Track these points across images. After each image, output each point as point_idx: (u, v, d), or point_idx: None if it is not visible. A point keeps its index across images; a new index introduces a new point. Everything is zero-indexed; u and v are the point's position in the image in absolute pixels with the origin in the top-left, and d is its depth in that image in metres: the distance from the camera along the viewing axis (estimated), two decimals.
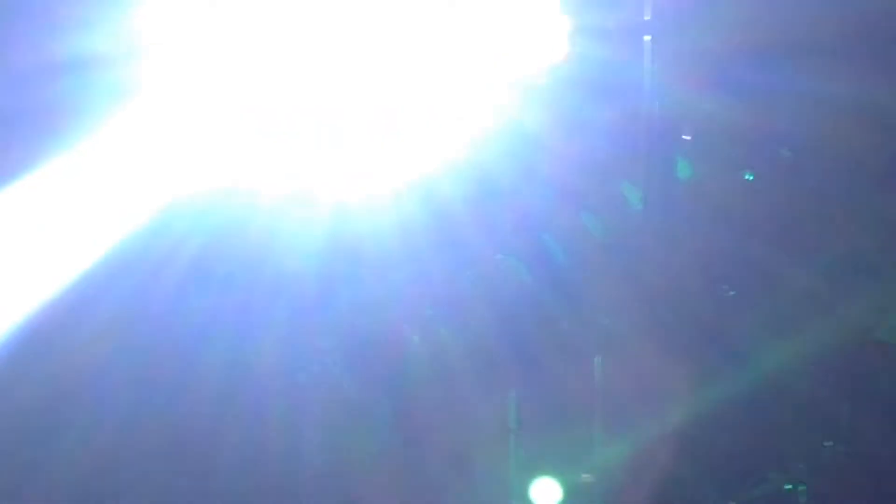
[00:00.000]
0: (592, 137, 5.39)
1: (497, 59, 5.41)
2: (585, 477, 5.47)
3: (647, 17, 4.77)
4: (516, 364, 5.43)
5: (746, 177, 5.38)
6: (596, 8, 5.34)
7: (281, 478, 5.34)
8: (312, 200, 5.44)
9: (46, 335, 5.35)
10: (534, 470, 5.38)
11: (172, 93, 5.43)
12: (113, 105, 5.39)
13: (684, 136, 4.84)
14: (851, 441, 5.55)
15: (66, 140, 5.41)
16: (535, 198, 5.47)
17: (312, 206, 5.43)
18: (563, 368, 5.51)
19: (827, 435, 5.56)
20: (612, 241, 5.42)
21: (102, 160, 5.47)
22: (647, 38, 4.84)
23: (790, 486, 5.51)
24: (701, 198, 5.47)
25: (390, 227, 5.46)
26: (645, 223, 5.02)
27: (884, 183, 5.49)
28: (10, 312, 5.40)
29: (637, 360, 5.44)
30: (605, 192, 5.45)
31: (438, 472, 5.46)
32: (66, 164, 5.45)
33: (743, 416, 5.54)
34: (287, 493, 5.35)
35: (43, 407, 5.39)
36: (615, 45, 5.23)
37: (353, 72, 5.37)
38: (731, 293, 5.59)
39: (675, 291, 5.20)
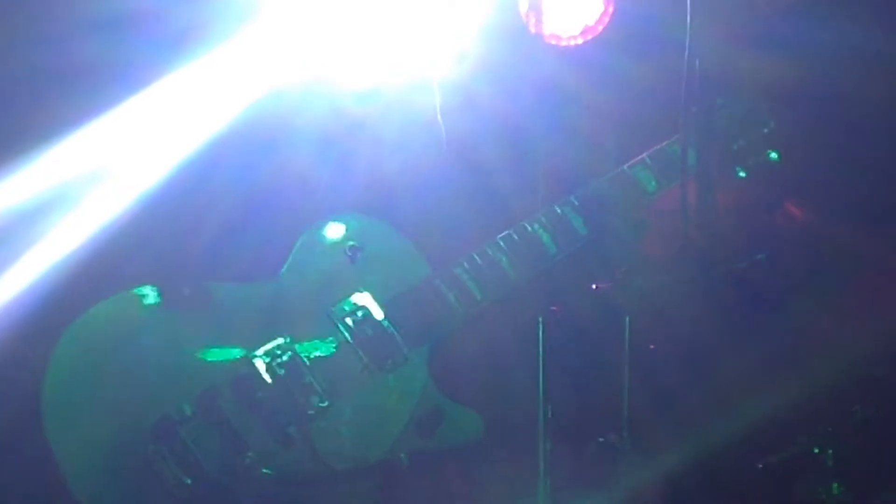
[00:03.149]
0: (632, 95, 5.35)
1: (533, 16, 5.35)
2: (612, 437, 5.46)
3: None
4: (547, 322, 5.39)
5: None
6: None
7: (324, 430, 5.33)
8: (346, 165, 5.43)
9: (80, 291, 5.34)
10: (562, 431, 5.36)
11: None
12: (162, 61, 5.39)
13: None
14: (880, 405, 5.53)
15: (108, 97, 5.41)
16: (573, 157, 5.43)
17: (346, 174, 5.43)
18: (594, 327, 5.50)
19: (855, 399, 5.54)
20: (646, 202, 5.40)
21: (144, 116, 5.48)
22: None
23: (818, 450, 5.49)
24: (737, 157, 5.43)
25: (425, 188, 5.45)
26: (681, 182, 4.94)
27: None
28: (42, 270, 5.41)
29: (669, 319, 5.42)
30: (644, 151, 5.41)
31: (470, 425, 5.45)
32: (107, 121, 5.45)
33: (772, 380, 5.53)
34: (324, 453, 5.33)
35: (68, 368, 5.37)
36: (654, 1, 5.17)
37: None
38: (762, 254, 5.56)
39: (709, 252, 5.15)
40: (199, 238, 5.48)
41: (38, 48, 5.49)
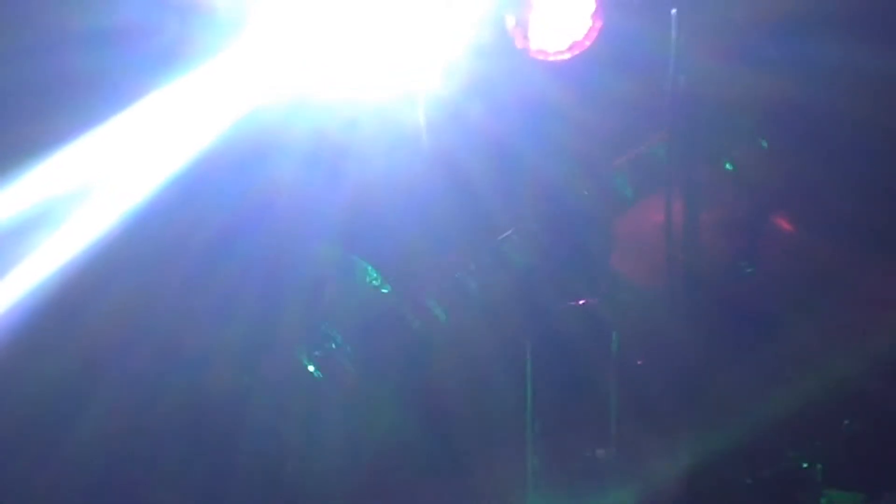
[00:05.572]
0: (617, 111, 5.34)
1: (520, 31, 5.35)
2: (600, 452, 5.46)
3: None
4: (533, 339, 5.40)
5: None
6: None
7: (299, 456, 5.34)
8: (331, 183, 5.43)
9: (68, 305, 5.34)
10: (550, 447, 5.36)
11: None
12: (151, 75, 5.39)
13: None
14: (870, 419, 5.51)
15: (96, 111, 5.40)
16: (557, 172, 5.43)
17: (332, 188, 5.43)
18: (580, 343, 5.50)
19: (845, 413, 5.52)
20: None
21: (130, 132, 5.48)
22: (673, 11, 4.74)
23: (807, 464, 5.48)
24: (723, 172, 5.43)
25: (409, 199, 5.44)
26: (666, 198, 4.94)
27: None
28: (30, 285, 5.40)
29: (655, 335, 5.41)
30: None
31: (453, 449, 5.46)
32: (94, 136, 5.45)
33: (762, 394, 5.51)
34: (305, 472, 5.34)
35: (62, 382, 5.38)
36: (641, 17, 5.16)
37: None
38: (749, 270, 5.55)
39: (696, 267, 5.15)
40: (187, 250, 5.48)
41: (27, 62, 5.49)
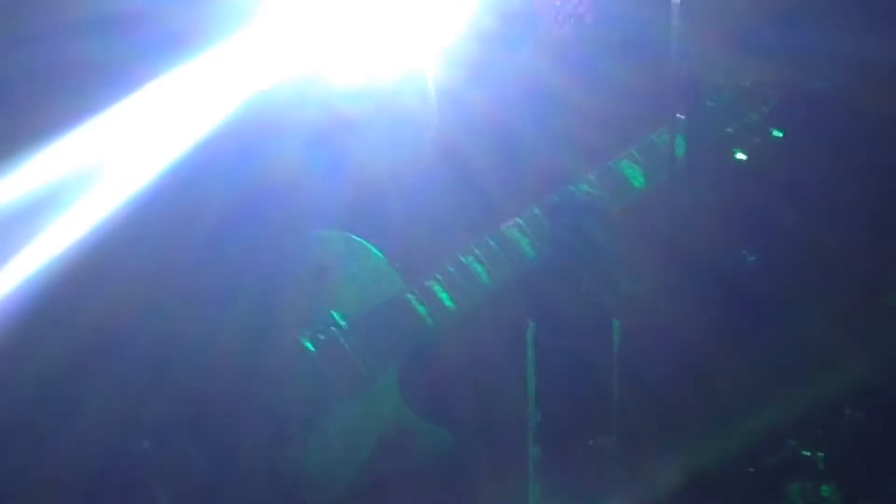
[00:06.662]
0: (618, 97, 5.34)
1: (520, 15, 5.35)
2: (602, 441, 5.45)
3: None
4: (535, 326, 5.39)
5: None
6: None
7: (300, 444, 5.34)
8: (332, 172, 5.44)
9: (73, 292, 5.35)
10: (551, 435, 5.36)
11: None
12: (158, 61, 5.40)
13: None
14: (871, 408, 5.52)
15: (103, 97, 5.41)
16: (558, 158, 5.43)
17: (333, 180, 5.43)
18: (582, 331, 5.49)
19: (846, 401, 5.52)
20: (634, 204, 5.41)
21: (135, 117, 5.48)
22: None
23: (809, 453, 5.48)
24: (725, 159, 5.43)
25: (409, 187, 5.45)
26: (668, 185, 4.94)
27: None
28: (32, 268, 5.41)
29: (657, 323, 5.41)
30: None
31: (454, 437, 5.47)
32: (99, 122, 5.46)
33: (761, 382, 5.52)
34: (306, 462, 5.35)
35: (62, 372, 5.39)
36: (642, 3, 5.16)
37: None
38: (751, 258, 5.55)
39: (698, 255, 5.14)
40: (190, 238, 5.49)
41: (29, 48, 5.49)
